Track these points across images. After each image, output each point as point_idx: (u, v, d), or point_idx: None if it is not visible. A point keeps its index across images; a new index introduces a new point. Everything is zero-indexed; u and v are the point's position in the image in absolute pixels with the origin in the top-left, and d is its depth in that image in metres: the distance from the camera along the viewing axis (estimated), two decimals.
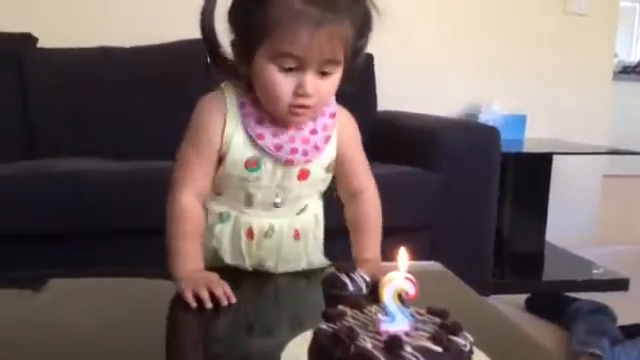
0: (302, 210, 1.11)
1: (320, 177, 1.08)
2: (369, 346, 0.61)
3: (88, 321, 0.88)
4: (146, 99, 2.25)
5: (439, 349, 0.61)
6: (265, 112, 1.01)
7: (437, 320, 0.67)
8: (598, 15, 2.95)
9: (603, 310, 1.95)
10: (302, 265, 1.12)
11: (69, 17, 2.45)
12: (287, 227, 1.09)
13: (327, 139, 1.06)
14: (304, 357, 0.67)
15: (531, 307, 2.15)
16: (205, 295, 0.91)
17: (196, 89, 1.11)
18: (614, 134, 3.15)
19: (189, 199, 1.01)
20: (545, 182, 2.72)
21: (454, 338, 0.63)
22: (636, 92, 5.08)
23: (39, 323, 0.88)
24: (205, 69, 2.09)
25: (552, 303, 2.09)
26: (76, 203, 1.70)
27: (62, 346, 0.81)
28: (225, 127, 1.01)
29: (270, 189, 1.05)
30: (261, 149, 1.01)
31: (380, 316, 0.65)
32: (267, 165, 1.02)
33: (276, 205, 1.07)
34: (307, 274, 1.11)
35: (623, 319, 1.92)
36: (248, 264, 1.08)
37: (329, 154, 1.07)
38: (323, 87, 0.96)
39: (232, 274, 1.00)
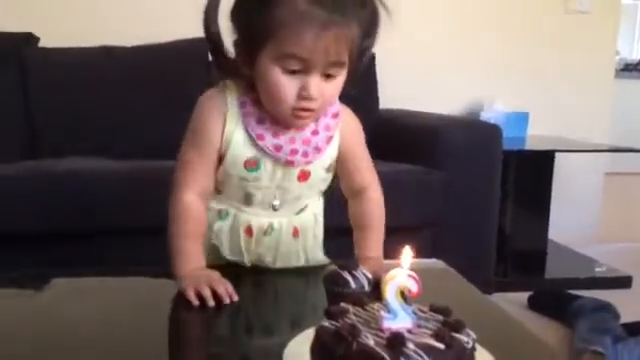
0: (302, 210, 1.11)
1: (321, 177, 1.07)
2: (371, 343, 0.61)
3: (90, 320, 0.88)
4: (147, 98, 2.25)
5: (442, 346, 0.61)
6: (266, 112, 1.00)
7: (440, 317, 0.67)
8: (600, 13, 2.95)
9: (606, 308, 1.95)
10: (301, 262, 1.12)
11: (70, 17, 2.46)
12: (286, 225, 1.09)
13: (329, 139, 1.05)
14: (306, 355, 0.67)
15: (534, 305, 2.15)
16: (207, 293, 0.90)
17: (197, 89, 1.11)
18: (616, 132, 3.15)
19: (191, 199, 1.01)
20: (547, 180, 2.71)
21: (457, 335, 0.63)
22: (638, 90, 5.08)
23: (41, 322, 0.88)
24: (206, 68, 2.08)
25: (555, 301, 2.09)
26: (77, 203, 1.70)
27: (64, 345, 0.81)
28: (225, 126, 1.00)
29: (270, 189, 1.04)
30: (261, 149, 1.00)
31: (382, 313, 0.65)
32: (267, 165, 1.02)
33: (274, 208, 1.06)
34: (308, 272, 1.11)
35: (626, 317, 1.92)
36: (247, 260, 1.08)
37: (330, 154, 1.06)
38: (327, 90, 0.95)
39: (233, 272, 1.00)
